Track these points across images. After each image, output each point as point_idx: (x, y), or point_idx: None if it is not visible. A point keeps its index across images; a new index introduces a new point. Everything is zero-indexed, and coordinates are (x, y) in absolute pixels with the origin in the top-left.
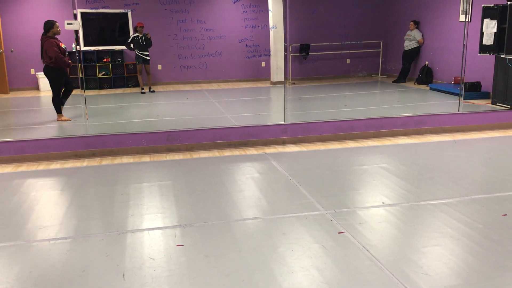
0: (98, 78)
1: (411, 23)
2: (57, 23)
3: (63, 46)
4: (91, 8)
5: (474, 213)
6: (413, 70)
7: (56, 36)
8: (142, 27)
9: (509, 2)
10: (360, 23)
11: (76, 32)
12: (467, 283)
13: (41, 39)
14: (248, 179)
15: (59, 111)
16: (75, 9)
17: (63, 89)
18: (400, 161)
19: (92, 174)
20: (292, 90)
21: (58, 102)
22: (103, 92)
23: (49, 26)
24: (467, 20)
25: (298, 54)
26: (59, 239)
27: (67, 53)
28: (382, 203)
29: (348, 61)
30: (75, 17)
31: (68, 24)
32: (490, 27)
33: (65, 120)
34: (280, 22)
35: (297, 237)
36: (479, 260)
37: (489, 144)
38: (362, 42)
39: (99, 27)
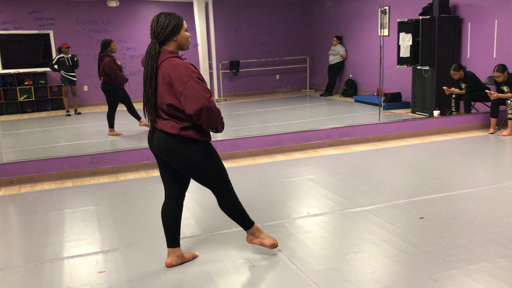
0: (19, 102)
1: (334, 38)
2: (113, 42)
3: (118, 63)
4: (2, 30)
5: (394, 218)
6: (339, 83)
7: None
8: (68, 47)
9: (420, 17)
10: (283, 39)
11: None
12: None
13: (99, 57)
14: None
15: (111, 125)
16: None
17: (124, 105)
18: (326, 171)
19: (10, 203)
20: (223, 106)
21: (113, 117)
22: (26, 116)
23: (106, 44)
24: (383, 34)
25: (228, 70)
26: None
27: (123, 70)
28: (308, 213)
29: (277, 76)
30: None
31: None
32: (406, 40)
33: (117, 135)
34: (205, 40)
35: (224, 254)
36: (398, 263)
37: (408, 151)
38: (285, 58)
39: (19, 49)
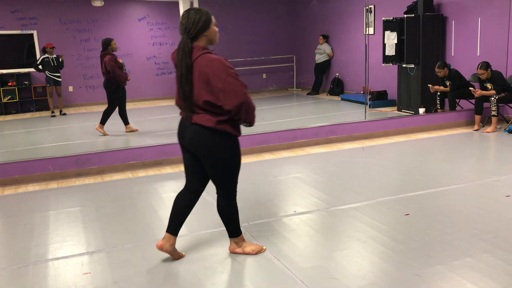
0: (3, 103)
1: (321, 37)
2: (114, 40)
3: (120, 61)
4: None
5: (380, 215)
6: (325, 82)
7: (113, 52)
8: (53, 48)
9: (405, 15)
10: (269, 38)
11: None
12: (373, 284)
13: (100, 56)
14: (162, 198)
15: (103, 122)
16: None
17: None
18: (312, 170)
19: None
20: None
21: (109, 114)
22: (9, 117)
23: (107, 43)
24: (369, 32)
25: None
26: None
27: (124, 68)
28: (294, 211)
29: (264, 75)
30: None
31: None
32: (391, 38)
33: (103, 134)
34: None
35: (211, 253)
36: (383, 260)
37: (394, 148)
38: (271, 57)
39: (2, 49)
